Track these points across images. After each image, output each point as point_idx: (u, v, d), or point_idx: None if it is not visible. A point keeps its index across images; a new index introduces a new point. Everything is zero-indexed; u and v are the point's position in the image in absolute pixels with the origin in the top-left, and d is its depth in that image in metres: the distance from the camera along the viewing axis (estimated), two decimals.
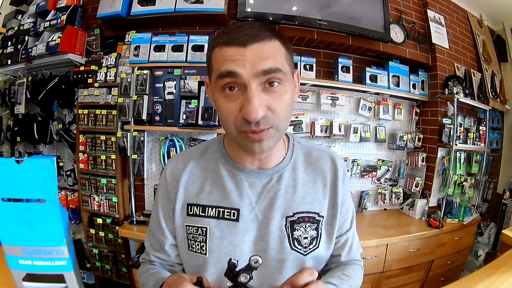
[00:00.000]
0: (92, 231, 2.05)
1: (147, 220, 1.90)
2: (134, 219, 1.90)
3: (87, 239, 2.10)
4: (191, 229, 0.66)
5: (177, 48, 1.84)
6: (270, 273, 0.65)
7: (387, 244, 1.95)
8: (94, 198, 2.00)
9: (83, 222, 2.10)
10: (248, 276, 0.45)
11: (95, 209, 2.01)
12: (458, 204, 2.28)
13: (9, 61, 2.48)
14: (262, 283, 0.63)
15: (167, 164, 0.73)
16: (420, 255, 2.11)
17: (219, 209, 0.65)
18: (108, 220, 2.00)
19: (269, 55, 0.51)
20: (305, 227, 0.65)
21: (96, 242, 2.07)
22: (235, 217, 0.64)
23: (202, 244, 0.65)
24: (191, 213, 0.67)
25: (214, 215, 0.65)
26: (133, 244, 1.90)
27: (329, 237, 0.68)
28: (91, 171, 2.00)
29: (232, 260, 0.46)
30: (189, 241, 0.67)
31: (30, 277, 0.47)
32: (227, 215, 0.65)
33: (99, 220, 2.03)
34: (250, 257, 0.45)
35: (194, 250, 0.66)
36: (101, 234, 2.03)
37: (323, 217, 0.67)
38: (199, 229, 0.65)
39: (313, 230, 0.66)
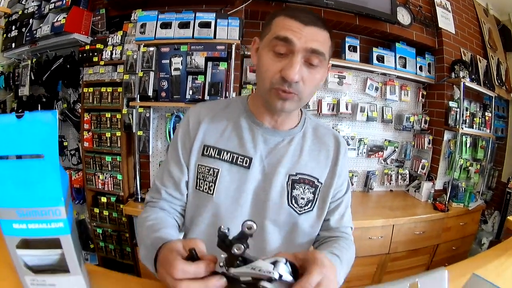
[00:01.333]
0: (96, 210, 2.04)
1: None
2: (139, 197, 1.89)
3: (91, 218, 2.09)
4: (203, 168, 0.70)
5: (184, 25, 1.82)
6: (265, 224, 0.69)
7: (393, 225, 1.94)
8: (98, 177, 1.99)
9: (87, 202, 2.09)
10: (243, 247, 0.39)
11: (100, 187, 2.00)
12: (463, 189, 2.27)
13: (13, 45, 2.47)
14: (256, 234, 0.62)
15: (191, 109, 0.77)
16: (426, 238, 2.10)
17: (234, 154, 0.70)
18: (113, 199, 1.99)
19: (320, 40, 0.61)
20: (304, 188, 0.71)
21: (100, 222, 2.06)
22: (247, 164, 0.69)
23: (211, 184, 0.69)
24: (207, 154, 0.71)
25: (228, 159, 0.70)
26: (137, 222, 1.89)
27: (323, 203, 0.73)
28: (95, 149, 1.99)
29: (222, 229, 0.41)
30: (198, 180, 0.71)
31: (24, 244, 0.44)
32: (240, 161, 0.70)
33: (103, 199, 2.02)
34: (243, 223, 0.39)
35: (202, 189, 0.70)
36: (105, 213, 2.01)
37: (321, 183, 0.73)
38: (211, 169, 0.70)
39: (310, 193, 0.72)
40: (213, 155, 0.70)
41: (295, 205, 0.70)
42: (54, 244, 0.45)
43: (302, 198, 0.71)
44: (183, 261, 0.45)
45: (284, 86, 0.61)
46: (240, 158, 0.69)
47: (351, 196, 0.80)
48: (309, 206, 0.72)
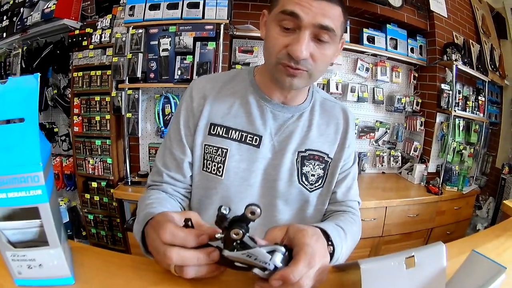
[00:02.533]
0: (87, 196, 2.03)
1: (143, 180, 1.87)
2: (129, 180, 1.88)
3: (82, 205, 2.08)
4: (210, 148, 0.67)
5: (172, 6, 1.81)
6: (275, 204, 0.67)
7: (386, 207, 1.93)
8: (88, 161, 1.98)
9: (78, 188, 2.08)
10: (241, 232, 0.36)
11: (90, 172, 1.99)
12: (457, 173, 2.25)
13: (4, 34, 2.47)
14: (266, 213, 0.62)
15: (194, 82, 0.72)
16: (420, 221, 2.09)
17: (243, 133, 0.67)
18: (103, 184, 1.98)
19: (330, 16, 0.57)
20: (314, 164, 0.69)
21: (91, 208, 2.05)
22: (257, 143, 0.67)
23: (219, 165, 0.66)
24: (214, 133, 0.67)
25: (237, 138, 0.67)
26: (128, 206, 1.88)
27: (332, 177, 0.71)
28: (85, 133, 1.98)
29: (221, 210, 0.37)
30: (205, 161, 0.67)
31: (3, 216, 0.43)
32: (249, 139, 0.67)
33: (94, 184, 2.01)
34: (247, 206, 0.36)
35: (210, 170, 0.67)
36: (96, 198, 2.00)
37: (331, 159, 0.71)
38: (219, 149, 0.66)
39: (320, 169, 0.70)
40: (220, 133, 0.67)
41: (306, 182, 0.68)
42: (34, 214, 0.44)
43: (313, 175, 0.69)
44: (174, 224, 0.42)
45: (290, 63, 0.58)
46: (250, 137, 0.67)
47: (356, 170, 0.78)
48: (319, 182, 0.70)
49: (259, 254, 0.37)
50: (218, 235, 0.39)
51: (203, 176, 0.68)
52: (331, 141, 0.71)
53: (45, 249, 0.45)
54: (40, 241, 0.46)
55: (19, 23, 2.35)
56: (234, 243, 0.37)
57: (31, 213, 0.44)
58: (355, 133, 0.82)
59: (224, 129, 0.67)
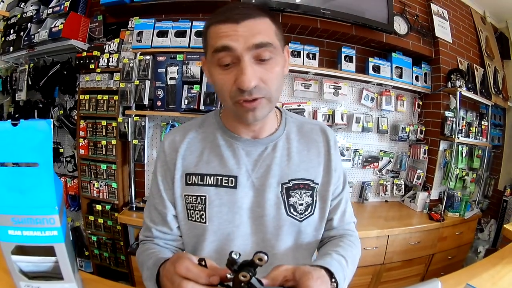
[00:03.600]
0: (91, 217, 2.04)
1: None
2: (134, 205, 1.89)
3: (86, 226, 2.09)
4: (190, 198, 0.67)
5: (180, 34, 1.83)
6: (267, 239, 0.67)
7: (388, 236, 1.94)
8: (93, 184, 1.99)
9: (82, 209, 2.09)
10: (248, 275, 0.40)
11: (95, 195, 2.00)
12: (459, 198, 2.26)
13: (11, 48, 2.48)
14: (260, 249, 0.62)
15: (165, 137, 0.73)
16: (421, 248, 2.10)
17: (218, 177, 0.67)
18: (108, 207, 1.99)
19: (260, 31, 0.55)
20: (300, 193, 0.68)
21: (95, 229, 2.06)
22: (233, 184, 0.66)
23: (201, 212, 0.66)
24: (190, 182, 0.68)
25: (212, 183, 0.66)
26: (132, 231, 1.89)
27: (324, 203, 0.70)
28: (91, 156, 1.99)
29: (232, 255, 0.41)
30: (188, 211, 0.67)
31: (19, 250, 0.45)
32: (225, 182, 0.66)
33: (98, 207, 2.02)
34: (255, 254, 0.40)
35: (194, 219, 0.67)
36: (100, 220, 2.01)
37: (317, 184, 0.70)
38: (198, 197, 0.66)
39: (308, 196, 0.68)
40: (196, 182, 0.67)
41: (295, 213, 0.67)
42: (49, 251, 0.46)
43: (301, 204, 0.68)
44: (191, 261, 0.45)
45: (244, 96, 0.56)
46: (225, 179, 0.66)
47: (349, 190, 0.78)
48: (309, 210, 0.68)
49: None
50: (228, 276, 0.43)
51: (190, 225, 0.68)
52: (315, 165, 0.70)
53: (59, 283, 0.47)
54: (54, 274, 0.47)
55: (26, 38, 2.36)
56: (242, 284, 0.41)
57: (46, 249, 0.46)
58: (340, 152, 0.80)
59: (199, 176, 0.67)
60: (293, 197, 0.67)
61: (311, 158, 0.70)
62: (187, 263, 0.45)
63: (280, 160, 0.68)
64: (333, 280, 0.54)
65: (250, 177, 0.67)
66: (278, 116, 0.74)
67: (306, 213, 0.68)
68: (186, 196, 0.68)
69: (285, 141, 0.70)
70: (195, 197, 0.67)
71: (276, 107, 0.74)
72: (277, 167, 0.67)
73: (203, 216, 0.66)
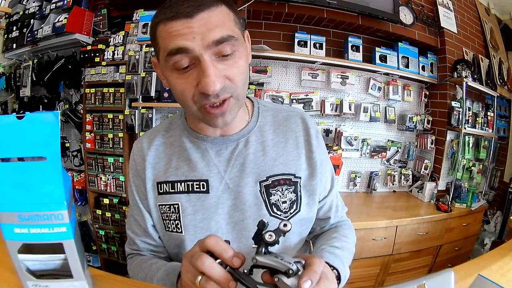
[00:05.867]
0: (99, 212, 2.04)
1: None
2: None
3: (93, 220, 2.08)
4: (164, 208, 0.62)
5: None
6: (251, 244, 0.62)
7: (397, 226, 1.93)
8: (101, 178, 1.99)
9: (90, 203, 2.09)
10: (274, 236, 0.41)
11: (102, 189, 2.00)
12: (466, 189, 2.26)
13: (14, 45, 2.47)
14: (247, 257, 0.61)
15: (134, 145, 0.69)
16: (429, 239, 2.09)
17: (188, 182, 0.61)
18: (115, 200, 1.99)
19: (218, 23, 0.48)
20: (282, 190, 0.62)
21: (102, 223, 2.06)
22: (205, 188, 0.61)
23: (176, 222, 0.61)
24: (162, 191, 0.63)
25: (183, 189, 0.61)
26: None
27: (310, 198, 0.64)
28: (98, 150, 1.98)
29: (262, 221, 0.43)
30: (164, 221, 0.63)
31: (26, 249, 0.43)
32: (196, 187, 0.61)
33: (106, 200, 2.01)
34: (280, 222, 0.42)
35: (171, 230, 0.62)
36: (108, 214, 2.01)
37: (300, 178, 0.63)
38: (171, 206, 0.62)
39: (291, 192, 0.62)
40: (167, 190, 0.62)
41: (278, 212, 0.61)
42: (57, 248, 0.44)
43: (284, 202, 0.61)
44: (212, 258, 0.42)
45: (210, 100, 0.50)
46: (196, 184, 0.61)
47: (336, 181, 0.74)
48: (294, 207, 0.62)
49: (285, 255, 0.41)
50: (253, 246, 0.43)
51: (168, 236, 0.64)
52: (294, 158, 0.63)
53: (69, 281, 0.45)
54: (63, 272, 0.45)
55: (29, 35, 2.35)
56: (264, 250, 0.42)
57: (54, 247, 0.44)
58: (322, 141, 0.70)
59: (169, 184, 0.62)
60: (274, 195, 0.61)
61: (289, 150, 0.64)
62: (210, 260, 0.42)
63: (255, 156, 0.62)
64: (332, 268, 0.54)
65: (224, 178, 0.61)
66: (249, 107, 0.67)
67: (292, 210, 0.62)
68: (160, 206, 0.63)
69: (258, 134, 0.64)
70: (168, 206, 0.62)
71: (247, 97, 0.68)
72: (252, 164, 0.61)
73: (179, 226, 0.61)
